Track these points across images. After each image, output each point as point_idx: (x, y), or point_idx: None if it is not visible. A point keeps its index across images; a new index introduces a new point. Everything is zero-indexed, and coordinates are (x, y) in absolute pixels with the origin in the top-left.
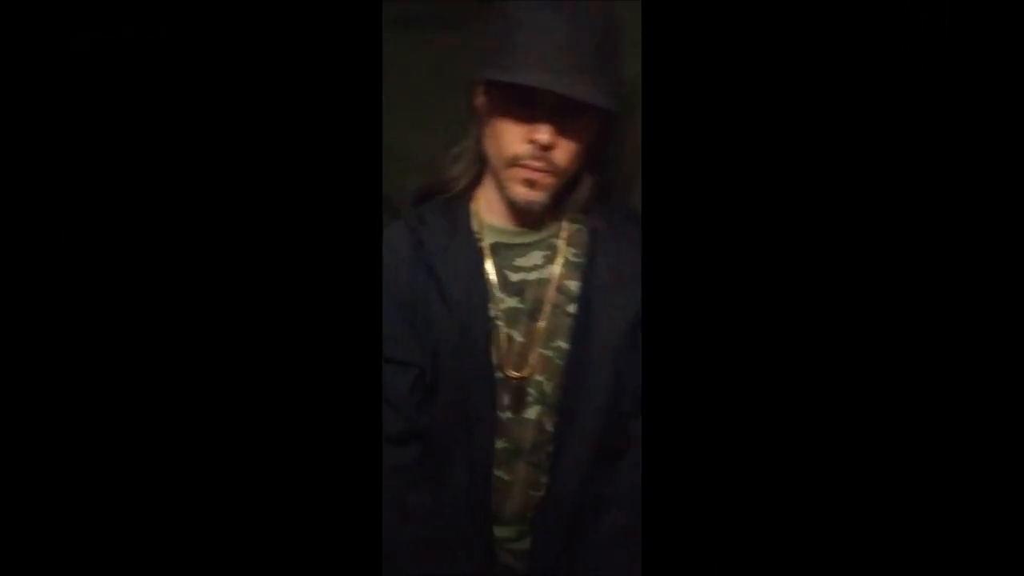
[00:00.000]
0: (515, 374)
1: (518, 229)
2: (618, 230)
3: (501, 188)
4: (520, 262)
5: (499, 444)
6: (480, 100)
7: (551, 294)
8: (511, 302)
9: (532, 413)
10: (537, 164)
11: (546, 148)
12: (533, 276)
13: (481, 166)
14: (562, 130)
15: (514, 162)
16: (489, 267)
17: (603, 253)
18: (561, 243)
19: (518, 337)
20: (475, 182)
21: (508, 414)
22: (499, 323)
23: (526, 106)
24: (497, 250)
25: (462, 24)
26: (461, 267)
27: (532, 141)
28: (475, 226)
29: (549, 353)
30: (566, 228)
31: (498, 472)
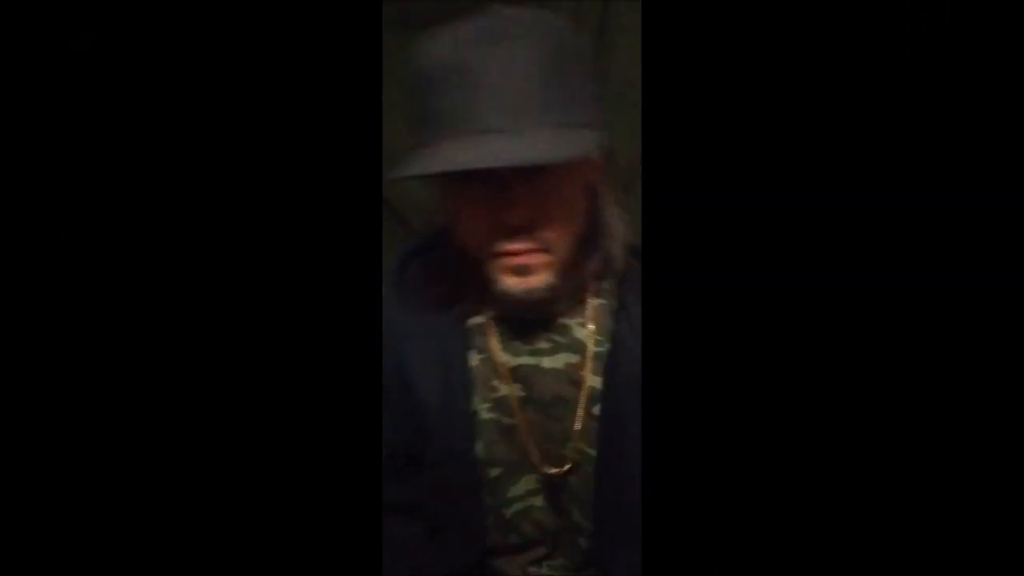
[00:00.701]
0: (553, 470)
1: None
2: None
3: (488, 283)
4: (520, 344)
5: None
6: (437, 186)
7: (562, 387)
8: (510, 390)
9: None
10: (522, 247)
11: (526, 229)
12: (534, 362)
13: (469, 263)
14: (542, 197)
15: (493, 253)
16: (476, 356)
17: (627, 335)
18: (575, 324)
19: (521, 426)
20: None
21: (517, 505)
22: (496, 416)
23: (487, 181)
24: (488, 331)
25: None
26: (442, 357)
27: (506, 224)
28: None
29: (577, 457)
30: (587, 300)
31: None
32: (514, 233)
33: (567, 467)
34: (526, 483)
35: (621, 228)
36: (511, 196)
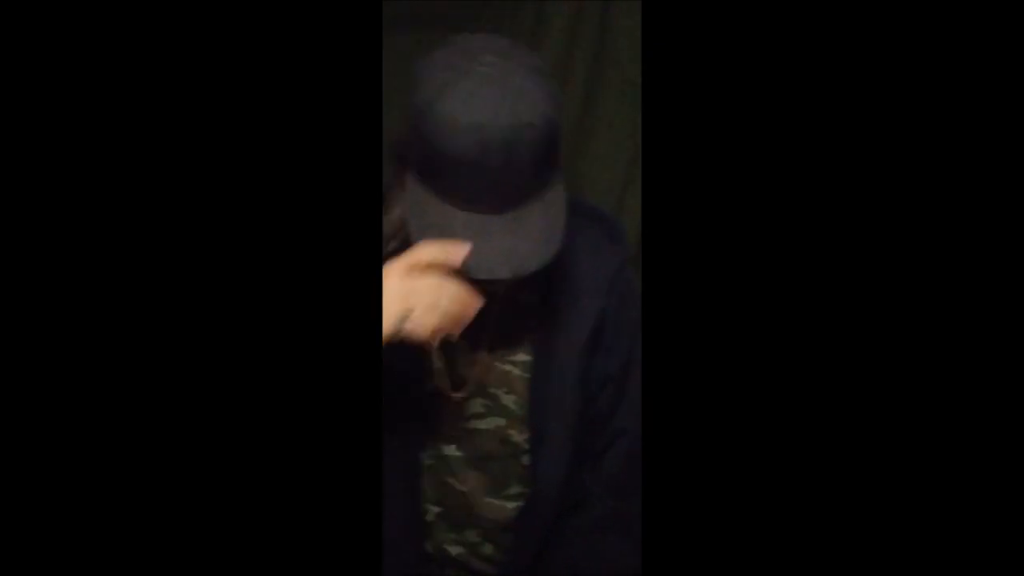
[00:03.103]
0: (456, 395)
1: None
2: (574, 231)
3: None
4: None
5: (448, 452)
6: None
7: (499, 307)
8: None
9: (489, 424)
10: None
11: None
12: (471, 425)
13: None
14: None
15: None
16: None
17: (558, 259)
18: (500, 392)
19: (465, 343)
20: None
21: (459, 548)
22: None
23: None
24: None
25: (462, 24)
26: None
27: None
28: None
29: (506, 367)
30: (511, 371)
31: (450, 480)
32: None
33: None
34: (466, 536)
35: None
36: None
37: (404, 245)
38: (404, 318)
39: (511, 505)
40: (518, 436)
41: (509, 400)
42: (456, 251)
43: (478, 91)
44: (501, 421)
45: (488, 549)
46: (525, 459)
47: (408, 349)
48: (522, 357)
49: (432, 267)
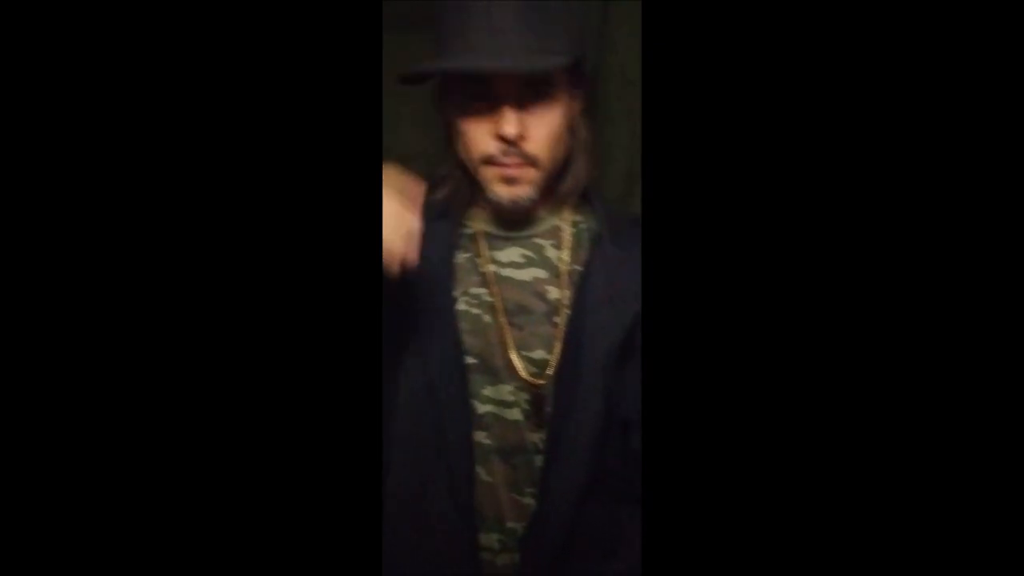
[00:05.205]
0: (531, 379)
1: (504, 222)
2: (620, 240)
3: (484, 190)
4: (499, 255)
5: (477, 438)
6: (442, 103)
7: (528, 298)
8: (478, 291)
9: (515, 415)
10: (511, 160)
11: (515, 141)
12: (507, 273)
13: (468, 175)
14: (530, 116)
15: (487, 161)
16: (462, 255)
17: (601, 263)
18: (547, 244)
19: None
20: (469, 192)
21: (489, 407)
22: (472, 310)
23: (484, 99)
24: (476, 240)
25: None
26: (432, 251)
27: (499, 136)
28: (466, 219)
29: (521, 363)
30: (563, 228)
31: (477, 468)
32: (505, 143)
33: (543, 381)
34: (499, 391)
35: (585, 162)
36: (503, 111)
37: (450, 223)
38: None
39: (522, 502)
40: (534, 436)
41: (555, 255)
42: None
43: None
44: (542, 274)
45: (500, 557)
46: (556, 319)
47: None
48: (540, 354)
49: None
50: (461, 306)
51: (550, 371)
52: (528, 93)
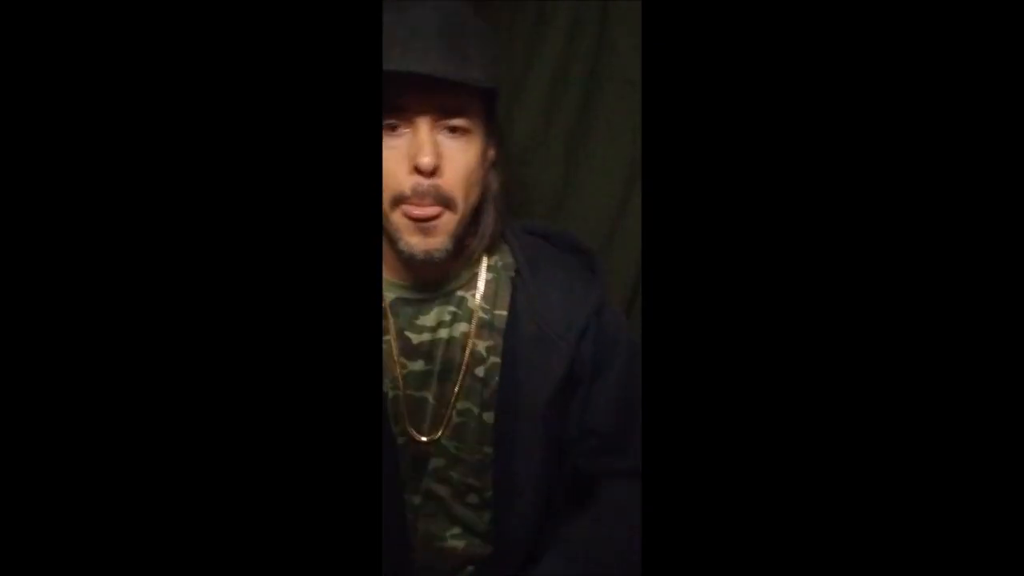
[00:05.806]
0: (421, 437)
1: (421, 283)
2: (538, 269)
3: (394, 241)
4: (423, 321)
5: (415, 500)
6: None
7: (461, 355)
8: (415, 366)
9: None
10: (424, 200)
11: (431, 172)
12: (441, 335)
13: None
14: (446, 151)
15: (399, 201)
16: (388, 328)
17: (525, 302)
18: (469, 296)
19: (431, 399)
20: None
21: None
22: (406, 390)
23: (402, 124)
24: (396, 308)
25: None
26: None
27: (415, 168)
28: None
29: (459, 419)
30: (480, 275)
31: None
32: (420, 176)
33: (438, 434)
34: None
35: (494, 217)
36: (420, 142)
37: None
38: None
39: (461, 544)
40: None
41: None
42: None
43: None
44: (467, 328)
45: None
46: (479, 371)
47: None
48: (472, 408)
49: None
50: (406, 389)
51: (474, 423)
52: (445, 128)
